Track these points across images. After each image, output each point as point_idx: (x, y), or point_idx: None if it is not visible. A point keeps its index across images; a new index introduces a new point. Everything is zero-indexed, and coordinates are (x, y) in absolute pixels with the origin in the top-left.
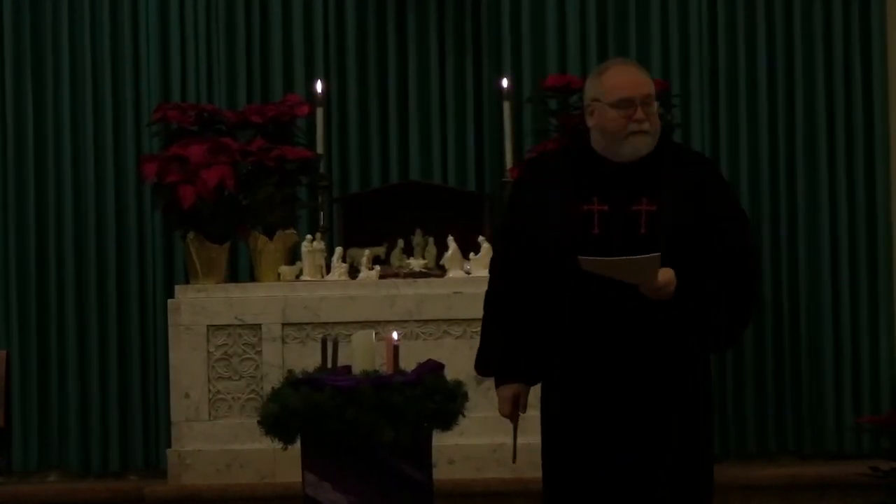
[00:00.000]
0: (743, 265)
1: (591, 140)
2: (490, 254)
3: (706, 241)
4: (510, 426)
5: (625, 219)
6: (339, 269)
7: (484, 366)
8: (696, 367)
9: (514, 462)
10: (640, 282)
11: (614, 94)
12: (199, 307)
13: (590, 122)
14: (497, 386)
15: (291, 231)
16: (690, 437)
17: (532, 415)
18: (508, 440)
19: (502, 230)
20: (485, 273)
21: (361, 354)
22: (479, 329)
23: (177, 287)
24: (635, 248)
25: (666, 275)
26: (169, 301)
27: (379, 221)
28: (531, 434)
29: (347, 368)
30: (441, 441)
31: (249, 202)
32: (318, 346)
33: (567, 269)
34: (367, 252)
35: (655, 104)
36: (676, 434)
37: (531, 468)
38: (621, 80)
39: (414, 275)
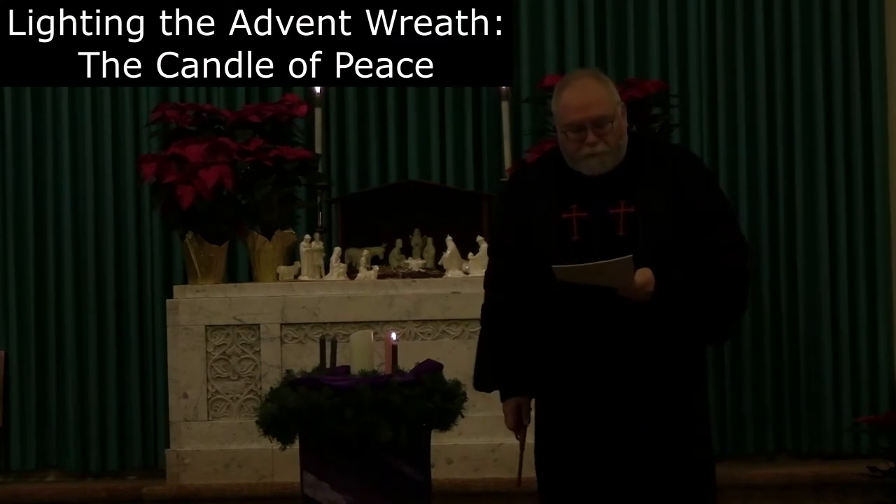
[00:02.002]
0: (729, 258)
1: None
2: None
3: (691, 236)
4: (510, 429)
5: (603, 223)
6: (337, 269)
7: (482, 382)
8: (686, 367)
9: (518, 485)
10: (617, 285)
11: (565, 118)
12: (197, 307)
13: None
14: (501, 400)
15: (290, 231)
16: (684, 439)
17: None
18: (511, 439)
19: (491, 243)
20: (483, 273)
21: (360, 354)
22: (477, 329)
23: (175, 287)
24: (614, 250)
25: (644, 275)
26: (167, 301)
27: (377, 221)
28: (530, 435)
29: (346, 368)
30: (439, 441)
31: (248, 202)
32: (317, 346)
33: (550, 278)
34: (365, 252)
35: (615, 121)
36: (669, 435)
37: (530, 469)
38: (571, 102)
39: (412, 275)
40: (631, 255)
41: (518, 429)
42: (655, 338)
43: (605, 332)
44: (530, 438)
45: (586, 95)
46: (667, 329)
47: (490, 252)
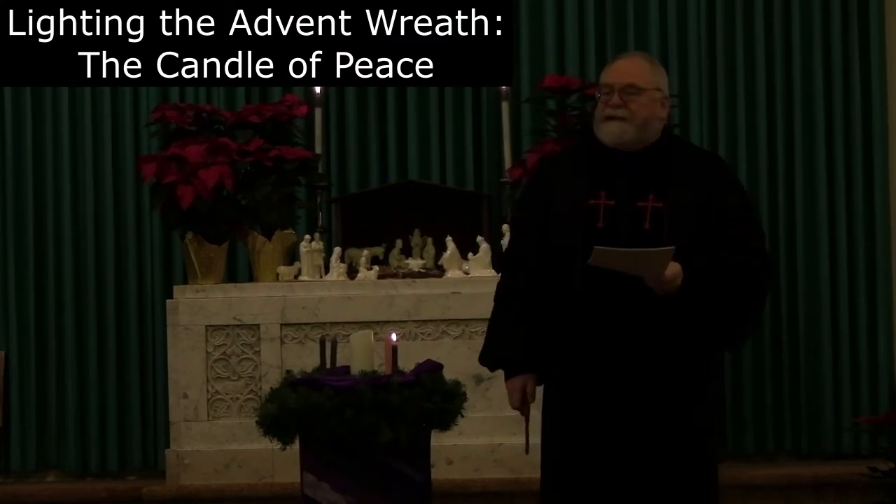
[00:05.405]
0: (751, 264)
1: None
2: (489, 254)
3: (715, 239)
4: (509, 427)
5: (630, 214)
6: (337, 269)
7: (489, 358)
8: (700, 364)
9: (527, 453)
10: (648, 275)
11: (601, 79)
12: (197, 307)
13: None
14: (507, 378)
15: (290, 231)
16: (691, 435)
17: (535, 413)
18: (511, 439)
19: (514, 222)
20: (483, 273)
21: (360, 355)
22: (477, 329)
23: (175, 287)
24: (640, 243)
25: (673, 268)
26: (167, 301)
27: (377, 221)
28: (533, 434)
29: (346, 369)
30: (439, 441)
31: (248, 202)
32: (317, 346)
33: (572, 263)
34: (365, 252)
35: (645, 96)
36: (677, 431)
37: (530, 468)
38: (610, 66)
39: (412, 275)
40: (672, 248)
41: (522, 407)
42: (672, 329)
43: (623, 319)
44: (536, 438)
45: (625, 64)
46: (685, 322)
47: (513, 230)
